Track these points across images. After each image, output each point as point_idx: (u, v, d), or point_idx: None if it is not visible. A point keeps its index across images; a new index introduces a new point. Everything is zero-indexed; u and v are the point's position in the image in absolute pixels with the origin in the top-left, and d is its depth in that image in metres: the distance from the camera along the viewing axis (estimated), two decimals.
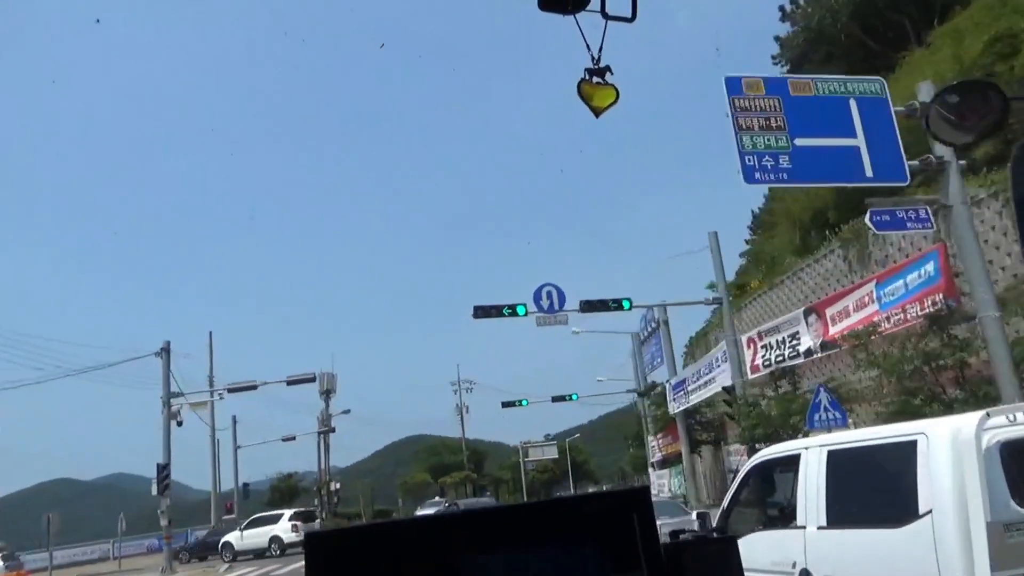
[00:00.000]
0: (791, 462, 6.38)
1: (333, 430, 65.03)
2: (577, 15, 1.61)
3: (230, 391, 41.07)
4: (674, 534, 1.57)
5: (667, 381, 34.01)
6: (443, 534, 1.36)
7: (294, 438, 46.02)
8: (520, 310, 23.74)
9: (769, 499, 7.27)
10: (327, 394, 66.40)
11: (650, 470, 41.58)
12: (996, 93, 1.51)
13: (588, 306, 23.17)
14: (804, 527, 5.85)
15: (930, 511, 4.87)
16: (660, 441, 38.95)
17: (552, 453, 79.11)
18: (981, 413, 5.01)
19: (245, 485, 50.62)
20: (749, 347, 24.28)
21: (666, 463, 39.27)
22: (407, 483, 65.97)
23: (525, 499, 77.97)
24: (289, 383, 40.07)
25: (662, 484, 37.96)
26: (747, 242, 49.01)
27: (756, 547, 6.09)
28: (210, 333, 53.51)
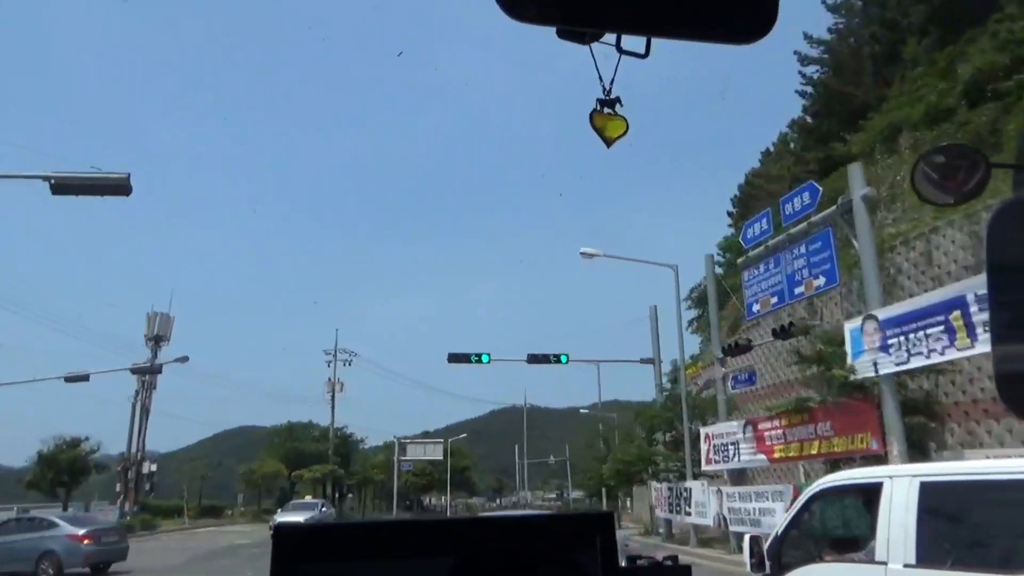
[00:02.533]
0: (869, 491, 5.82)
1: (150, 391, 47.83)
2: (592, 46, 1.57)
3: None
4: (631, 559, 1.58)
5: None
6: (411, 542, 1.36)
7: (86, 378, 28.69)
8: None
9: (835, 529, 6.60)
10: (156, 341, 48.67)
11: (702, 484, 23.69)
12: (981, 159, 1.48)
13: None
14: (886, 563, 5.14)
15: None
16: (781, 429, 19.35)
17: (436, 454, 65.01)
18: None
19: None
20: None
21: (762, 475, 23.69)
22: (252, 473, 49.37)
23: (395, 505, 64.94)
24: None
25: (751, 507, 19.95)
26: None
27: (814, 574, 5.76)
28: None
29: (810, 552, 6.16)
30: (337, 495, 56.53)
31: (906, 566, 4.95)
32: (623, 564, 1.48)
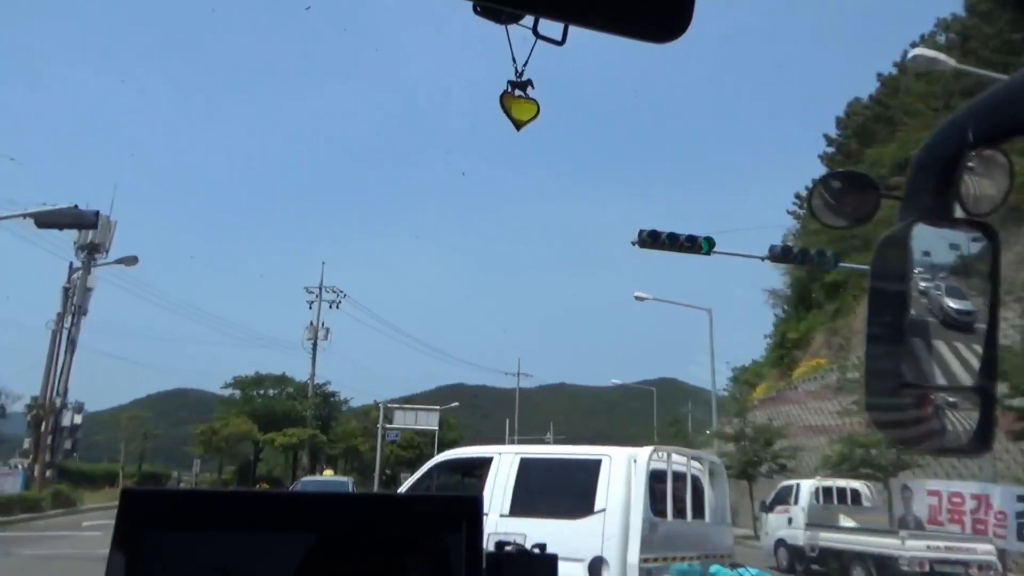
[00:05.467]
0: (483, 463, 8.26)
1: (78, 317, 35.82)
2: (508, 27, 1.62)
3: None
4: (499, 545, 1.57)
5: None
6: (270, 516, 1.30)
7: None
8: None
9: (451, 491, 8.53)
10: (90, 249, 36.27)
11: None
12: (873, 187, 1.66)
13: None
14: (487, 514, 7.01)
15: (603, 509, 7.17)
16: None
17: (430, 422, 54.06)
18: (651, 448, 7.86)
19: None
20: None
21: None
22: (213, 434, 37.70)
23: (377, 479, 54.45)
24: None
25: None
26: None
27: None
28: None
29: None
30: (314, 466, 45.32)
31: (502, 516, 7.44)
32: (491, 550, 1.48)
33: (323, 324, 47.40)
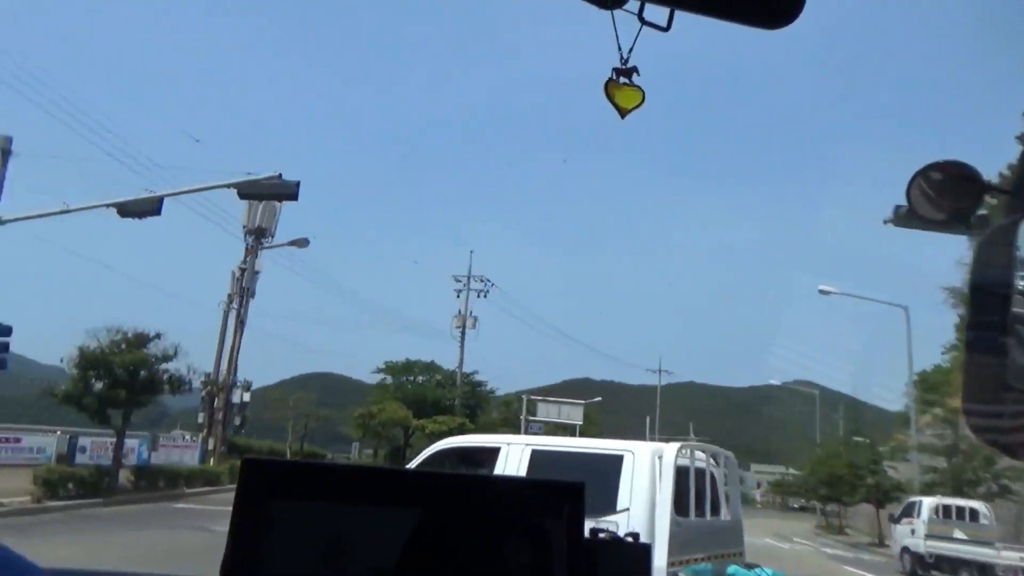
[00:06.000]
0: (490, 453, 7.84)
1: (246, 298, 36.83)
2: (613, 12, 1.53)
3: None
4: (593, 532, 1.56)
5: None
6: (379, 490, 1.35)
7: (156, 209, 15.99)
8: None
9: None
10: (257, 234, 37.25)
11: None
12: (974, 179, 1.56)
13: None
14: None
15: (627, 508, 6.80)
16: None
17: (574, 417, 52.80)
18: (679, 444, 7.44)
19: None
20: None
21: None
22: (371, 418, 38.03)
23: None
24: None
25: None
26: None
27: None
28: None
29: None
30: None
31: None
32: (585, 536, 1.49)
33: (471, 312, 46.98)
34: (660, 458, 7.12)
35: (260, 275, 37.02)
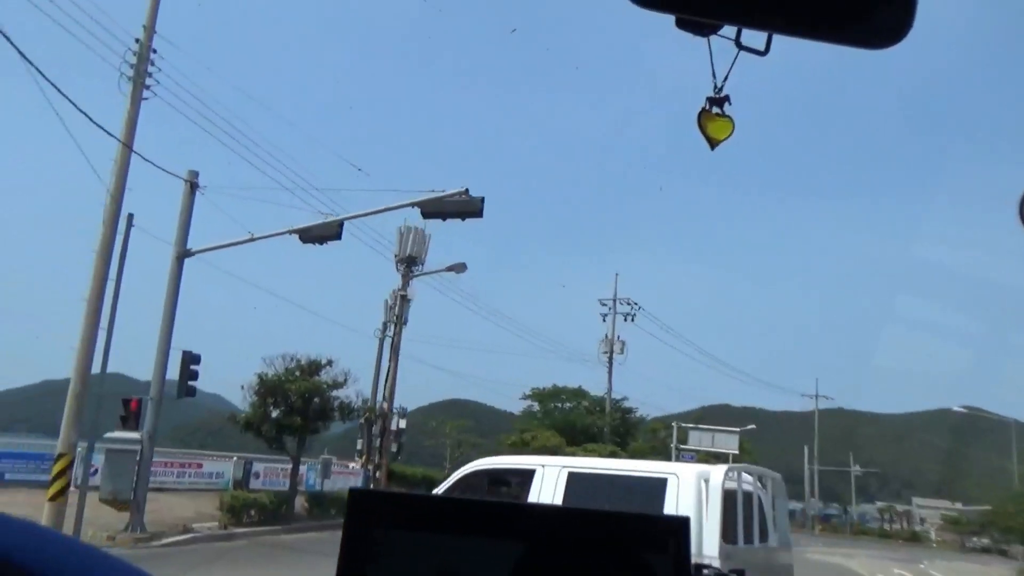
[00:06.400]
0: (524, 475, 7.54)
1: (400, 325, 37.12)
2: (710, 39, 1.60)
3: None
4: (697, 568, 1.61)
5: None
6: (480, 521, 1.35)
7: (337, 234, 15.73)
8: None
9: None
10: (408, 264, 37.60)
11: None
12: None
13: None
14: None
15: None
16: None
17: (730, 446, 49.89)
18: (726, 466, 7.22)
19: (190, 356, 16.37)
20: None
21: None
22: (524, 445, 37.30)
23: None
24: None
25: None
26: None
27: None
28: None
29: None
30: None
31: None
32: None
33: (618, 336, 45.55)
34: (706, 481, 6.76)
35: (412, 303, 37.42)
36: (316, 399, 19.61)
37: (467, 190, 14.52)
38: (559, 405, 45.38)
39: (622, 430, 45.25)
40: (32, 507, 14.24)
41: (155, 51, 16.74)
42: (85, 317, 15.00)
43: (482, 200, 14.16)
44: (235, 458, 24.91)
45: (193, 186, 16.72)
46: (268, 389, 18.90)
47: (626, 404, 47.03)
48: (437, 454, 52.20)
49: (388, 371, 36.71)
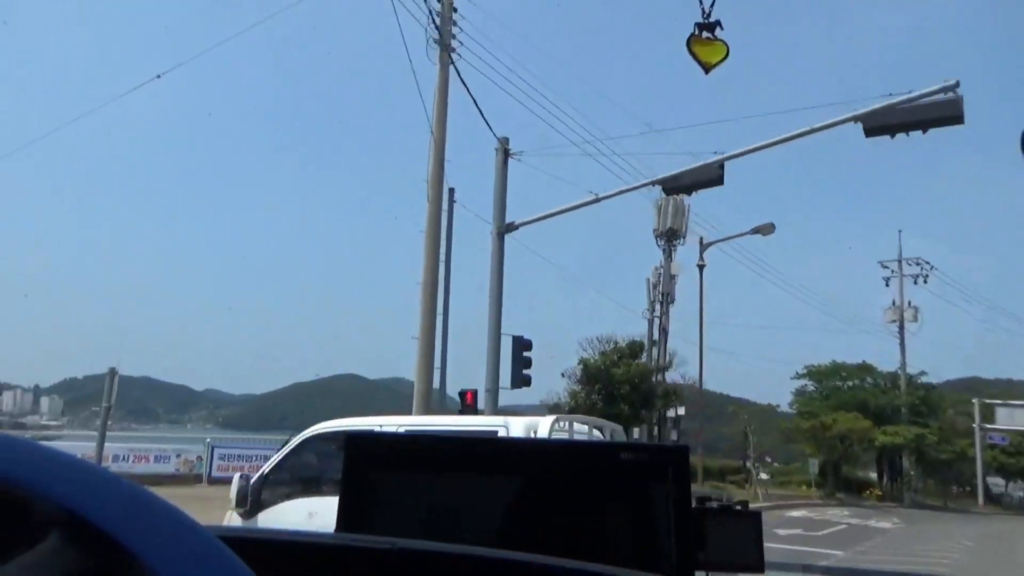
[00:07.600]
0: None
1: (667, 305, 34.68)
2: None
3: None
4: (700, 500, 1.55)
5: None
6: (477, 459, 1.32)
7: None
8: None
9: (318, 470, 7.49)
10: (668, 238, 35.09)
11: None
12: None
13: None
14: None
15: None
16: None
17: None
18: (553, 417, 6.66)
19: (522, 342, 15.36)
20: None
21: None
22: (826, 430, 32.98)
23: (980, 494, 44.68)
24: None
25: None
26: None
27: (290, 511, 6.51)
28: None
29: (291, 490, 6.83)
30: (897, 476, 37.65)
31: None
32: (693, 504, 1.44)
33: (908, 303, 39.59)
34: (534, 432, 6.39)
35: (678, 278, 34.74)
36: (642, 385, 17.52)
37: (958, 83, 11.10)
38: (842, 384, 40.27)
39: (924, 409, 39.22)
40: None
41: (455, 9, 15.33)
42: (422, 302, 13.86)
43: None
44: None
45: (507, 153, 15.18)
46: (591, 376, 17.11)
47: (925, 380, 40.80)
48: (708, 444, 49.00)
49: (658, 352, 34.14)
